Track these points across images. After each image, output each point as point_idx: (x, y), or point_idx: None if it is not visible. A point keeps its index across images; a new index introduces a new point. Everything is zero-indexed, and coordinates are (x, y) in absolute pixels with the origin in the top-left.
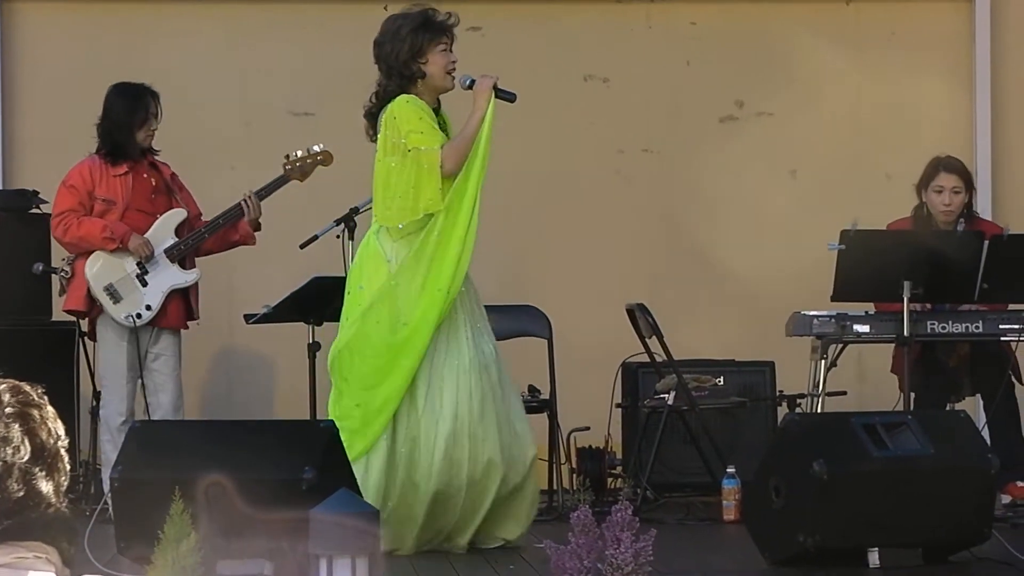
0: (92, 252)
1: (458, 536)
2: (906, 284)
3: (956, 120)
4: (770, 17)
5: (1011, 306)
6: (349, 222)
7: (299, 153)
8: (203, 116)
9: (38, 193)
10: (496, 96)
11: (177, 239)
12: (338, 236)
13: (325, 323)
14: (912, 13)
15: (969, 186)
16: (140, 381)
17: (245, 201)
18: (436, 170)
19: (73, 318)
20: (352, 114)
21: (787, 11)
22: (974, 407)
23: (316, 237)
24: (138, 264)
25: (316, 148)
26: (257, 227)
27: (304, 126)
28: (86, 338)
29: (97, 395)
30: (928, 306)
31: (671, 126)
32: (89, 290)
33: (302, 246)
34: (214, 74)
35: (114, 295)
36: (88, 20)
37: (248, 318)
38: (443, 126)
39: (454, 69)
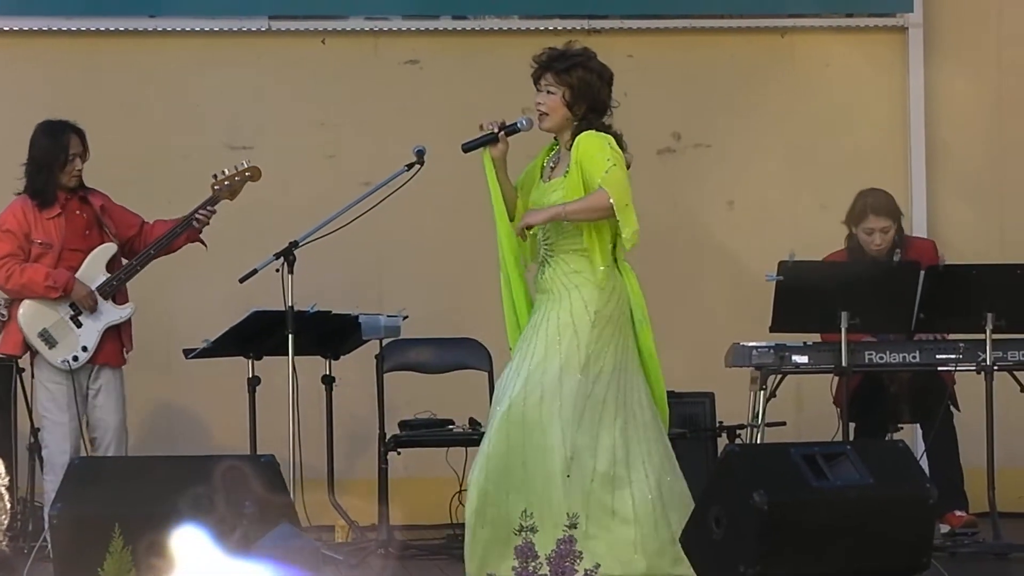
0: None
1: None
2: (844, 315)
3: (891, 150)
4: (707, 49)
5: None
6: (289, 256)
7: (226, 171)
8: (140, 149)
9: None
10: (466, 147)
11: (108, 275)
12: (277, 270)
13: (265, 357)
14: (847, 45)
15: (897, 218)
16: (86, 418)
17: (197, 218)
18: None
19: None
20: (291, 147)
21: (724, 43)
22: (912, 436)
23: (256, 271)
24: (71, 306)
25: (244, 164)
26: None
27: (242, 159)
28: (22, 375)
29: (35, 431)
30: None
31: None
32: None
33: (241, 280)
34: (151, 107)
35: (48, 340)
36: (26, 55)
37: (188, 352)
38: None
39: (538, 111)
